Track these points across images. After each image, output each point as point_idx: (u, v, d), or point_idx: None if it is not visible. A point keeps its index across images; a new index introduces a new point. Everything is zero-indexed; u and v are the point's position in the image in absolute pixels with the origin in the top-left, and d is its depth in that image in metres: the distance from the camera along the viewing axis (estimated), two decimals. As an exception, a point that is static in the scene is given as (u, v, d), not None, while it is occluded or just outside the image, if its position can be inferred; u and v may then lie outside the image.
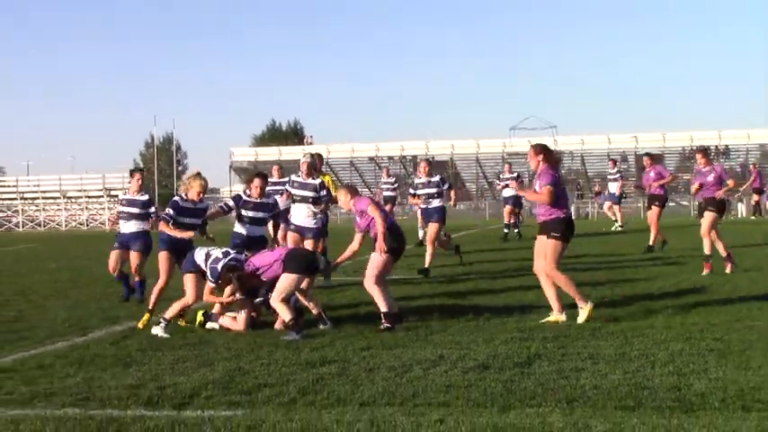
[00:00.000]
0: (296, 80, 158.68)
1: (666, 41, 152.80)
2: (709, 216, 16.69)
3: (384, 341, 10.06)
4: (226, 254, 11.22)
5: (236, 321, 11.24)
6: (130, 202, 14.83)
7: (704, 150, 17.87)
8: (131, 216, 14.75)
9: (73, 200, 62.09)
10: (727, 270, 16.17)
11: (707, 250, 16.57)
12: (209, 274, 11.14)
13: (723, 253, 16.54)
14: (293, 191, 14.70)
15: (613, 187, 33.84)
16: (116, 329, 11.61)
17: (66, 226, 58.81)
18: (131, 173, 15.38)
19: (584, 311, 11.21)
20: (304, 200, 14.64)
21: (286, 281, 10.94)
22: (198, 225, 12.25)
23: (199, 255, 11.39)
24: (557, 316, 11.31)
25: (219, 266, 11.08)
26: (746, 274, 15.99)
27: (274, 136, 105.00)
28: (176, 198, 12.37)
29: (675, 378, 7.86)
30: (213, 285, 11.21)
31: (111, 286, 16.89)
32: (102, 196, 62.17)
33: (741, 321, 10.84)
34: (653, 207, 22.01)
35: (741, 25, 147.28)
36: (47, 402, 7.63)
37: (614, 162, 36.15)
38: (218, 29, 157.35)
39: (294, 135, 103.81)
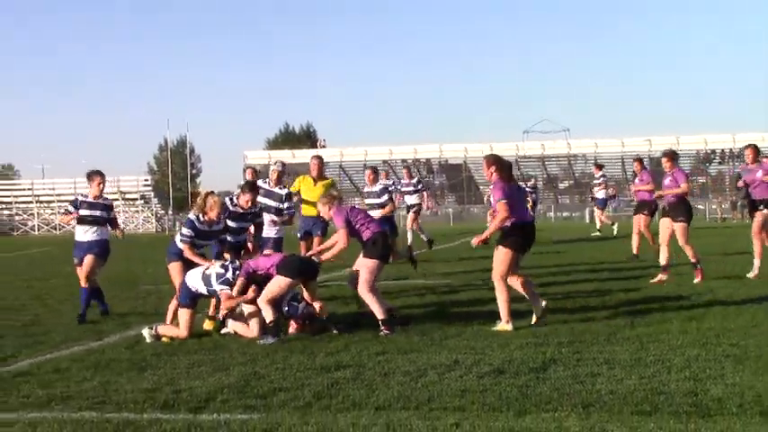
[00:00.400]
0: (309, 83, 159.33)
1: (681, 44, 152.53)
2: (760, 215, 16.46)
3: (399, 345, 10.05)
4: (224, 266, 11.19)
5: (248, 328, 11.22)
6: (93, 206, 13.57)
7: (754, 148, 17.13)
8: (94, 222, 13.50)
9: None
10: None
11: (757, 253, 16.46)
12: (220, 288, 11.04)
13: (758, 256, 16.41)
14: (259, 198, 13.70)
15: (598, 192, 34.05)
16: (131, 334, 11.63)
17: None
18: (91, 175, 13.70)
19: (501, 325, 11.10)
20: (267, 209, 14.26)
21: (276, 283, 10.97)
22: (211, 243, 12.27)
23: (195, 282, 11.18)
24: (503, 326, 11.13)
25: (230, 275, 11.07)
26: (763, 279, 15.93)
27: (287, 139, 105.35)
28: (192, 218, 11.92)
29: (692, 383, 7.83)
30: (229, 293, 11.13)
31: (127, 291, 16.97)
32: (117, 199, 62.33)
33: (758, 327, 10.79)
34: (641, 215, 20.91)
35: (757, 26, 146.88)
36: (64, 406, 7.66)
37: (599, 167, 36.52)
38: (232, 31, 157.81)
39: (307, 138, 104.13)
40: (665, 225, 16.29)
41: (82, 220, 13.51)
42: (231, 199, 12.78)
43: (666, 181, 16.38)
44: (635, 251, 20.72)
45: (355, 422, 6.81)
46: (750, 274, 16.19)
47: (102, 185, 13.61)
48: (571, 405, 7.14)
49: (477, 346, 9.96)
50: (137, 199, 68.99)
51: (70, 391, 8.17)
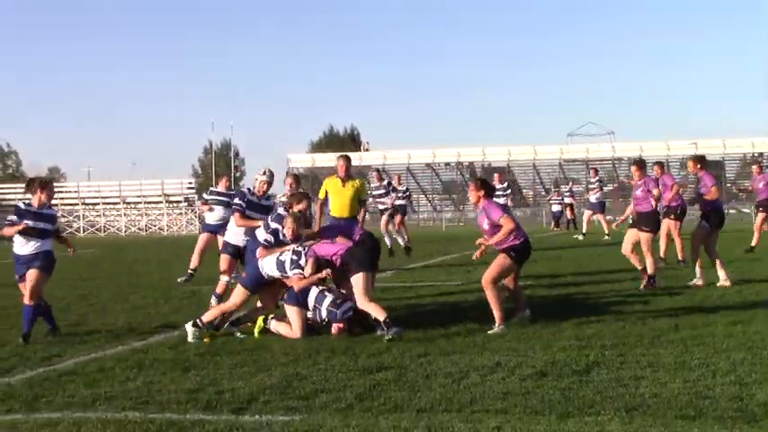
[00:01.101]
0: (353, 86, 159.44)
1: (727, 44, 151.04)
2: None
3: (441, 347, 10.04)
4: (297, 253, 11.30)
5: (290, 329, 11.25)
6: (40, 217, 11.88)
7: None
8: (41, 233, 11.82)
9: (132, 205, 62.80)
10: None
11: None
12: (293, 272, 11.20)
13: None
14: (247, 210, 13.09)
15: (594, 196, 33.95)
16: (174, 334, 11.69)
17: (125, 231, 59.44)
18: (43, 183, 12.10)
19: (497, 329, 11.14)
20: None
21: (361, 281, 11.05)
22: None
23: (270, 269, 11.38)
24: (497, 328, 11.18)
25: (302, 261, 11.21)
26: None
27: (331, 142, 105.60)
28: (244, 190, 12.56)
29: (737, 388, 7.74)
30: (301, 274, 11.22)
31: (170, 291, 17.08)
32: (161, 202, 62.83)
33: (804, 330, 10.65)
34: (669, 219, 20.06)
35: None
36: (108, 405, 7.72)
37: (595, 171, 36.73)
38: (276, 33, 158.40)
39: (351, 141, 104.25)
40: (632, 234, 16.14)
41: (24, 232, 11.75)
42: (249, 189, 13.00)
43: (638, 192, 16.09)
44: (680, 256, 20.44)
45: (397, 424, 6.80)
46: None
47: (46, 195, 11.96)
48: (614, 409, 7.08)
49: (519, 347, 9.92)
50: (180, 201, 69.46)
51: (114, 391, 8.25)
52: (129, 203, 62.97)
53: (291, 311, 11.25)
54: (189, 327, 11.17)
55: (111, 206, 63.12)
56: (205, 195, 19.20)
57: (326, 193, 15.17)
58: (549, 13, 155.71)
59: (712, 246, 16.00)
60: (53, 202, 12.17)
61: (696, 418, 6.82)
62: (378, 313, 10.85)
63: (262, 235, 11.73)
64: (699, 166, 16.41)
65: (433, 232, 45.63)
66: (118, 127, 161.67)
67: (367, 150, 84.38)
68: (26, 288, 11.72)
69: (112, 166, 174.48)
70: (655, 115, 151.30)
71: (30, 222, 11.71)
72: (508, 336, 10.72)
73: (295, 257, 11.27)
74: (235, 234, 13.09)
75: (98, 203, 63.54)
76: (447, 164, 78.19)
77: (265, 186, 12.92)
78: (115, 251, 34.69)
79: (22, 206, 11.90)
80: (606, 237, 32.08)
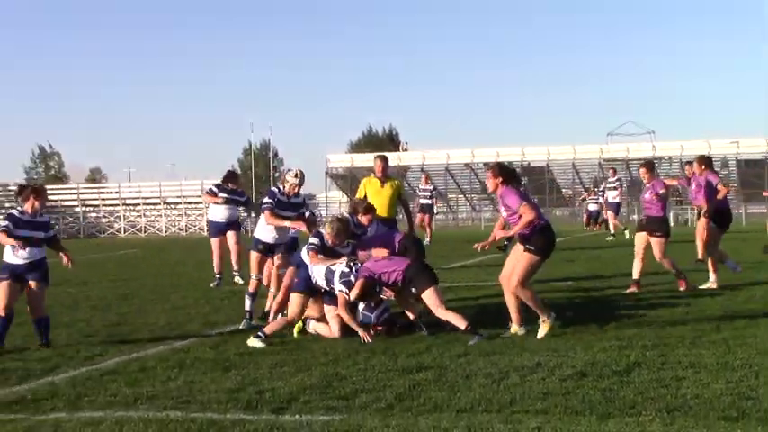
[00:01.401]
0: (392, 86, 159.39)
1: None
2: None
3: (481, 347, 10.02)
4: (349, 266, 11.11)
5: (329, 329, 11.24)
6: (33, 225, 11.31)
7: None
8: (34, 241, 11.21)
9: (172, 206, 63.18)
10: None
11: None
12: (340, 288, 10.98)
13: None
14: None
15: (612, 196, 33.60)
16: (214, 333, 11.77)
17: (165, 231, 59.84)
18: (36, 190, 11.52)
19: (545, 325, 10.81)
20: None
21: (433, 295, 10.92)
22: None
23: (318, 276, 11.19)
24: (515, 328, 11.03)
25: (353, 277, 10.98)
26: None
27: (370, 142, 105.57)
28: (274, 189, 12.47)
29: (780, 388, 7.68)
30: (345, 297, 11.02)
31: (210, 291, 17.18)
32: (201, 202, 63.09)
33: None
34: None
35: None
36: (149, 404, 7.79)
37: (614, 170, 36.47)
38: (315, 34, 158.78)
39: (390, 141, 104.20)
40: (642, 238, 15.72)
41: (18, 239, 11.12)
42: (279, 188, 12.80)
43: (647, 195, 15.69)
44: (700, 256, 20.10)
45: (436, 425, 6.81)
46: None
47: (40, 202, 11.41)
48: (655, 409, 7.04)
49: (559, 347, 9.88)
50: (220, 202, 69.67)
51: (155, 390, 8.31)
52: (169, 204, 63.33)
53: (294, 297, 11.24)
54: (253, 341, 10.77)
55: (152, 206, 63.46)
56: (214, 188, 19.25)
57: (365, 194, 15.13)
58: (588, 13, 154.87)
59: (714, 245, 15.90)
60: (95, 201, 12.21)
61: (739, 419, 6.76)
62: (458, 322, 10.73)
63: (310, 239, 11.77)
64: (703, 167, 16.15)
65: (472, 232, 45.49)
66: (159, 128, 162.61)
67: (406, 150, 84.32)
68: (29, 302, 11.26)
69: (153, 167, 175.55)
70: (696, 114, 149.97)
71: (23, 232, 11.13)
72: (548, 336, 10.68)
73: (346, 270, 11.06)
74: (264, 231, 13.04)
75: (138, 204, 63.94)
76: (486, 164, 77.83)
77: (296, 189, 12.86)
78: (155, 251, 34.92)
79: (16, 213, 11.33)
80: (611, 237, 31.87)
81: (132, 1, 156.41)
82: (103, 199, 65.23)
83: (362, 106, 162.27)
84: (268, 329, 11.07)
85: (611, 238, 32.10)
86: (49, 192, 68.82)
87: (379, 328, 11.20)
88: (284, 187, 12.72)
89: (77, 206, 62.69)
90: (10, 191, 61.00)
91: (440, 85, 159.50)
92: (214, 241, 19.04)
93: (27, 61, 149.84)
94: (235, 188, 19.01)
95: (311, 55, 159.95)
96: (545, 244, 10.95)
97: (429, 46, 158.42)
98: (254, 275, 12.82)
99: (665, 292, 14.97)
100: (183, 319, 13.32)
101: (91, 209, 63.66)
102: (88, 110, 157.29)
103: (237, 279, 18.26)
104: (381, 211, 14.64)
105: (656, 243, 15.50)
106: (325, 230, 11.61)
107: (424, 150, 79.35)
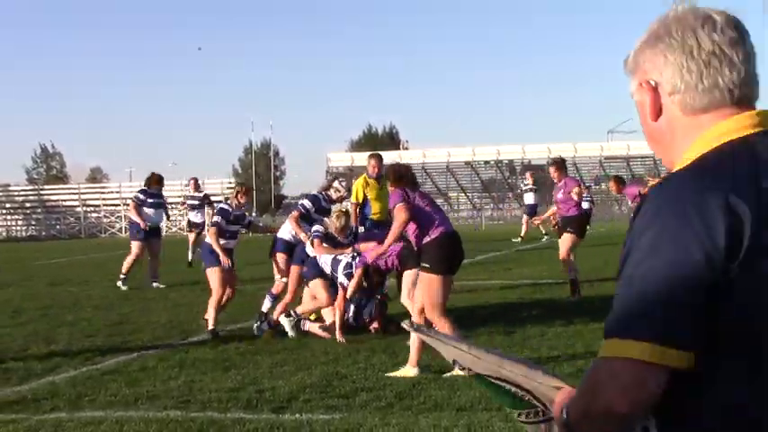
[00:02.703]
0: (392, 85, 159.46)
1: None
2: None
3: (481, 345, 9.99)
4: (353, 257, 11.16)
5: (328, 329, 11.23)
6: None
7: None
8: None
9: (173, 206, 63.22)
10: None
11: None
12: (342, 279, 11.00)
13: None
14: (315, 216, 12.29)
15: (529, 198, 33.38)
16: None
17: (166, 231, 59.88)
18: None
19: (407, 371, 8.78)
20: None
21: (410, 278, 10.64)
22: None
23: (325, 263, 11.24)
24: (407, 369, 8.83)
25: (354, 271, 11.01)
26: None
27: (370, 141, 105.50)
28: (318, 195, 12.20)
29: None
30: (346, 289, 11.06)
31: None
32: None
33: None
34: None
35: None
36: (149, 404, 7.80)
37: (531, 174, 36.20)
38: (315, 33, 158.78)
39: (390, 140, 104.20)
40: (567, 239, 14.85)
41: None
42: (323, 195, 12.41)
43: (559, 195, 15.10)
44: None
45: (437, 423, 6.82)
46: None
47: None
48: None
49: (559, 345, 9.90)
50: (220, 201, 69.71)
51: (156, 390, 8.32)
52: (170, 203, 63.35)
53: (316, 285, 11.23)
54: (284, 319, 11.24)
55: (152, 206, 63.48)
56: (189, 201, 19.78)
57: (364, 196, 14.66)
58: (588, 13, 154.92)
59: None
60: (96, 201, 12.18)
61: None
62: (414, 314, 10.71)
63: (314, 228, 11.78)
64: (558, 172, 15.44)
65: (473, 231, 45.51)
66: (159, 128, 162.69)
67: (406, 149, 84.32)
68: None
69: (154, 166, 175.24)
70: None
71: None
72: (548, 334, 10.69)
73: (350, 261, 11.08)
74: (286, 231, 12.80)
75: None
76: (486, 162, 77.83)
77: (342, 200, 12.82)
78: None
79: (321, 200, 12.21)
80: (518, 239, 31.20)
81: (132, 1, 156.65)
82: (104, 199, 65.24)
83: (363, 105, 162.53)
84: (300, 309, 11.33)
85: (518, 239, 31.19)
86: (50, 192, 69.10)
87: (375, 325, 11.23)
88: (328, 195, 12.42)
89: (78, 206, 62.69)
90: (10, 191, 61.07)
91: (440, 84, 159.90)
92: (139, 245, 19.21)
93: (28, 61, 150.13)
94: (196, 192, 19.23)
95: (311, 54, 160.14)
96: (443, 258, 8.79)
97: (429, 46, 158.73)
98: (284, 279, 12.21)
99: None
100: (183, 318, 13.31)
101: (92, 209, 63.66)
102: (89, 110, 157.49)
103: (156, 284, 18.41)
104: (384, 212, 14.04)
105: (567, 239, 14.78)
106: (333, 222, 11.71)
107: (424, 148, 79.33)
